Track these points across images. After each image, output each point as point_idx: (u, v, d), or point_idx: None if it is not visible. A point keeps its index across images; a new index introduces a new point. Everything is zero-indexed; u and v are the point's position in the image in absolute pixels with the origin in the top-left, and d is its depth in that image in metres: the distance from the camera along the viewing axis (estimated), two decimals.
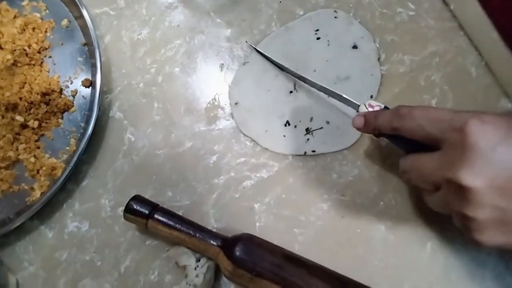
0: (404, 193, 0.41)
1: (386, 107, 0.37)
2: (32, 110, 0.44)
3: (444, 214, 0.37)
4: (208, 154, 0.44)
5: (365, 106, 0.38)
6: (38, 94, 0.44)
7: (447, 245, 0.39)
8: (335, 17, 0.46)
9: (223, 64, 0.46)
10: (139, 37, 0.47)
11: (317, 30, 0.45)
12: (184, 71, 0.46)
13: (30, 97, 0.44)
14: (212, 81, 0.45)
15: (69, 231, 0.43)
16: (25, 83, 0.44)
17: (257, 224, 0.42)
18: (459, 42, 0.44)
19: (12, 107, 0.43)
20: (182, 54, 0.46)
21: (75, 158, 0.42)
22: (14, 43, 0.45)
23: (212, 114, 0.45)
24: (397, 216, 0.40)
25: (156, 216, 0.39)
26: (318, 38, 0.45)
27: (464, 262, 0.38)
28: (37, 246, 0.43)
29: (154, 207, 0.40)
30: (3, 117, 0.43)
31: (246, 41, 0.43)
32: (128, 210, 0.39)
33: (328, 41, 0.45)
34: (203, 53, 0.46)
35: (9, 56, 0.45)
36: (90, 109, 0.44)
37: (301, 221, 0.41)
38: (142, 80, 0.46)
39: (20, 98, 0.44)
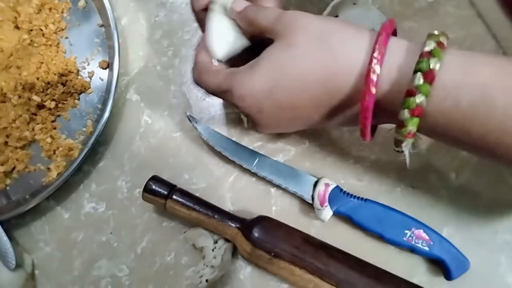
0: (421, 179, 0.41)
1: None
2: (49, 91, 0.44)
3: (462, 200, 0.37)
4: None
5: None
6: (55, 74, 0.44)
7: (463, 230, 0.39)
8: (354, 3, 0.46)
9: None
10: (156, 19, 0.47)
11: (336, 16, 0.45)
12: None
13: (47, 77, 0.44)
14: None
15: (86, 212, 0.43)
16: (42, 63, 0.44)
17: (273, 208, 0.42)
18: (477, 30, 0.44)
19: (29, 87, 0.43)
20: (200, 37, 0.46)
21: (92, 139, 0.42)
22: (30, 22, 0.45)
23: None
24: (414, 201, 0.40)
25: (174, 196, 0.39)
26: None
27: (480, 246, 0.39)
28: (53, 226, 0.43)
29: (173, 188, 0.40)
30: (20, 97, 0.43)
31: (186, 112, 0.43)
32: (147, 190, 0.40)
33: None
34: None
35: (25, 36, 0.45)
36: (107, 91, 0.44)
37: None
38: (159, 63, 0.46)
39: (37, 78, 0.43)
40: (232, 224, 0.39)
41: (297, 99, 0.30)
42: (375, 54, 0.26)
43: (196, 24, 0.46)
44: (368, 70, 0.26)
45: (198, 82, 0.34)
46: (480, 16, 0.44)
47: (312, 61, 0.28)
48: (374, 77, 0.26)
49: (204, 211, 0.39)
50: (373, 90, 0.26)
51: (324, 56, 0.28)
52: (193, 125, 0.41)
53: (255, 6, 0.33)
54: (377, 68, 0.26)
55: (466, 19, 0.44)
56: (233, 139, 0.43)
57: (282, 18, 0.30)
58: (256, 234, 0.37)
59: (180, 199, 0.39)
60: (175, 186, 0.40)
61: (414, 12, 0.45)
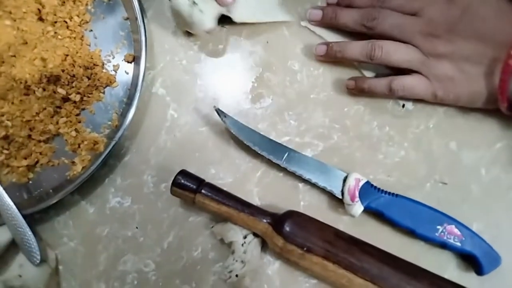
0: (451, 174, 0.41)
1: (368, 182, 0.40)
2: (74, 84, 0.43)
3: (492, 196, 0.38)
4: None
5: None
6: (80, 67, 0.43)
7: (493, 226, 0.39)
8: None
9: (268, 42, 0.45)
10: None
11: None
12: (228, 48, 0.45)
13: (73, 70, 0.43)
14: (257, 58, 0.45)
15: (111, 206, 0.43)
16: (67, 55, 0.43)
17: (302, 203, 0.42)
18: None
19: (54, 80, 0.43)
20: (226, 31, 0.46)
21: (119, 133, 0.41)
22: (55, 14, 0.44)
23: (256, 92, 0.44)
24: (443, 198, 0.40)
25: (204, 191, 0.39)
26: None
27: (510, 242, 0.39)
28: (77, 221, 0.43)
29: (201, 182, 0.40)
30: (44, 89, 0.42)
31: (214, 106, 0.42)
32: (176, 184, 0.39)
33: None
34: (248, 31, 0.46)
35: (50, 28, 0.44)
36: (133, 85, 0.44)
37: None
38: (185, 57, 0.45)
39: (63, 71, 0.43)
40: (263, 219, 0.38)
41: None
42: None
43: None
44: None
45: None
46: None
47: None
48: None
49: (234, 206, 0.39)
50: None
51: None
52: (221, 118, 0.41)
53: None
54: None
55: None
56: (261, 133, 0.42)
57: None
58: (288, 229, 0.37)
59: (209, 194, 0.39)
60: (204, 180, 0.40)
61: None
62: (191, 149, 0.43)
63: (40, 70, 0.43)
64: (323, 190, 0.41)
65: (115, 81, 0.45)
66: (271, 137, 0.42)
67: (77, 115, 0.44)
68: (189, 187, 0.39)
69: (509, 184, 0.40)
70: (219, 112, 0.41)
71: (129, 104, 0.43)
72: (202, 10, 0.41)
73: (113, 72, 0.45)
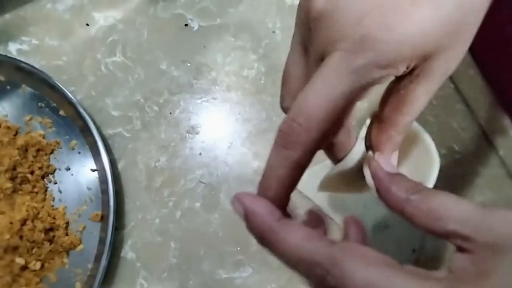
0: None
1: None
2: (34, 250, 0.39)
3: None
4: None
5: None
6: (41, 231, 0.39)
7: None
8: None
9: None
10: (157, 164, 0.42)
11: None
12: (205, 206, 0.42)
13: (32, 236, 0.39)
14: (236, 220, 0.41)
15: None
16: (27, 219, 0.39)
17: None
18: None
19: (12, 249, 0.39)
20: (204, 187, 0.42)
21: None
22: (15, 169, 0.40)
23: (235, 259, 0.41)
24: None
25: None
26: None
27: None
28: None
29: None
30: (1, 258, 0.38)
31: None
32: None
33: None
34: (227, 186, 0.42)
35: (8, 184, 0.40)
36: (99, 248, 0.40)
37: None
38: (158, 215, 0.41)
39: (21, 237, 0.39)
40: None
41: None
42: None
43: (200, 172, 0.42)
44: None
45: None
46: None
47: None
48: None
49: None
50: None
51: None
52: None
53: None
54: None
55: None
56: None
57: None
58: None
59: None
60: None
61: None
62: None
63: None
64: None
65: (80, 243, 0.41)
66: None
67: (38, 283, 0.40)
68: None
69: None
70: None
71: (95, 270, 0.39)
72: None
73: (78, 234, 0.41)
